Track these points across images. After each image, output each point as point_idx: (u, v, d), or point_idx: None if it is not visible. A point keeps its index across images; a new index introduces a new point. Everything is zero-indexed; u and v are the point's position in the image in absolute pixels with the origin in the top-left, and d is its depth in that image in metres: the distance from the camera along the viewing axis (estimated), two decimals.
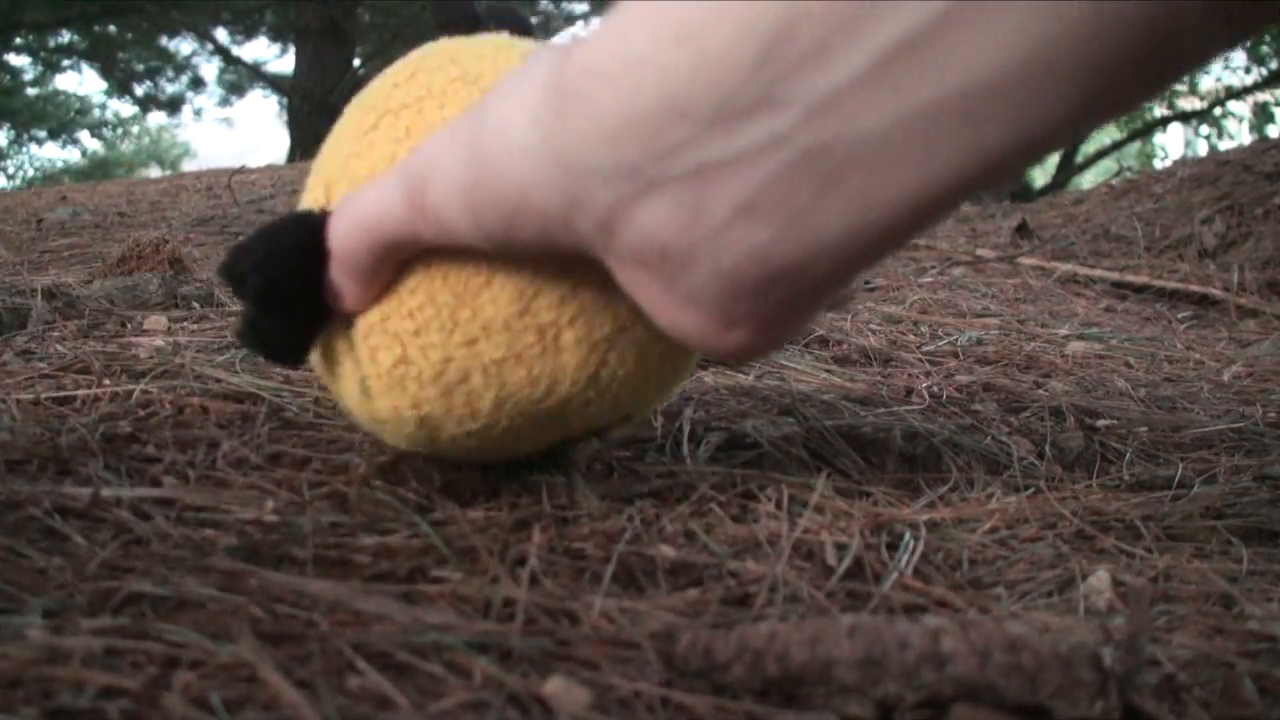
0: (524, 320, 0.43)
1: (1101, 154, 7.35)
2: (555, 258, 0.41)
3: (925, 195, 0.30)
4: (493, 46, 0.48)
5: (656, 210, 0.33)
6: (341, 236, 0.42)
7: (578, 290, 0.43)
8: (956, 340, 1.05)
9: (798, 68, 0.29)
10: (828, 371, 0.82)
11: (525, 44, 0.49)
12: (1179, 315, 1.57)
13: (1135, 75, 0.29)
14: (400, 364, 0.45)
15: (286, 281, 0.43)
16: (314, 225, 0.43)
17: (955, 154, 0.29)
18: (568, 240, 0.36)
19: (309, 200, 0.48)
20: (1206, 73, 6.45)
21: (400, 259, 0.43)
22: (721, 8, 0.30)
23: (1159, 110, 6.82)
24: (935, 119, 0.29)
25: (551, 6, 7.22)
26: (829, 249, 0.32)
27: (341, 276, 0.43)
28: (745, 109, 0.30)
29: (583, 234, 0.35)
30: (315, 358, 0.50)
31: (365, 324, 0.45)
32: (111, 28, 6.24)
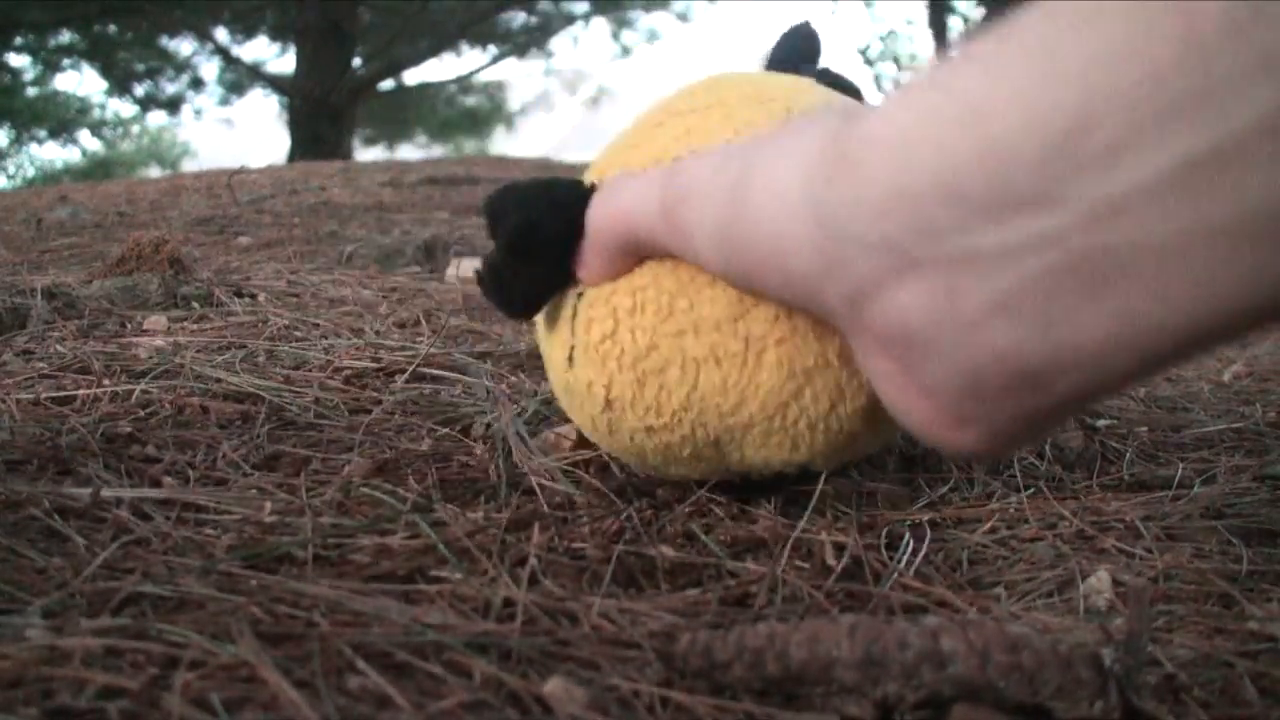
0: (735, 326, 0.44)
1: None
2: None
3: (1197, 319, 0.28)
4: (793, 80, 0.50)
5: (911, 291, 0.32)
6: (598, 214, 0.44)
7: (794, 314, 0.44)
8: None
9: (1085, 166, 0.28)
10: None
11: (828, 92, 0.50)
12: None
13: None
14: (608, 339, 0.46)
15: (540, 228, 0.45)
16: (580, 193, 0.45)
17: (1240, 280, 0.27)
18: (811, 303, 0.36)
19: (586, 177, 0.49)
20: None
21: (642, 254, 0.44)
22: (1016, 94, 0.28)
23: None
24: (1225, 239, 0.27)
25: (551, 6, 7.21)
26: (1082, 362, 0.30)
27: (589, 248, 0.45)
28: (1022, 202, 0.29)
29: (829, 301, 0.35)
30: (539, 317, 0.51)
31: (591, 295, 0.47)
32: (111, 28, 6.24)
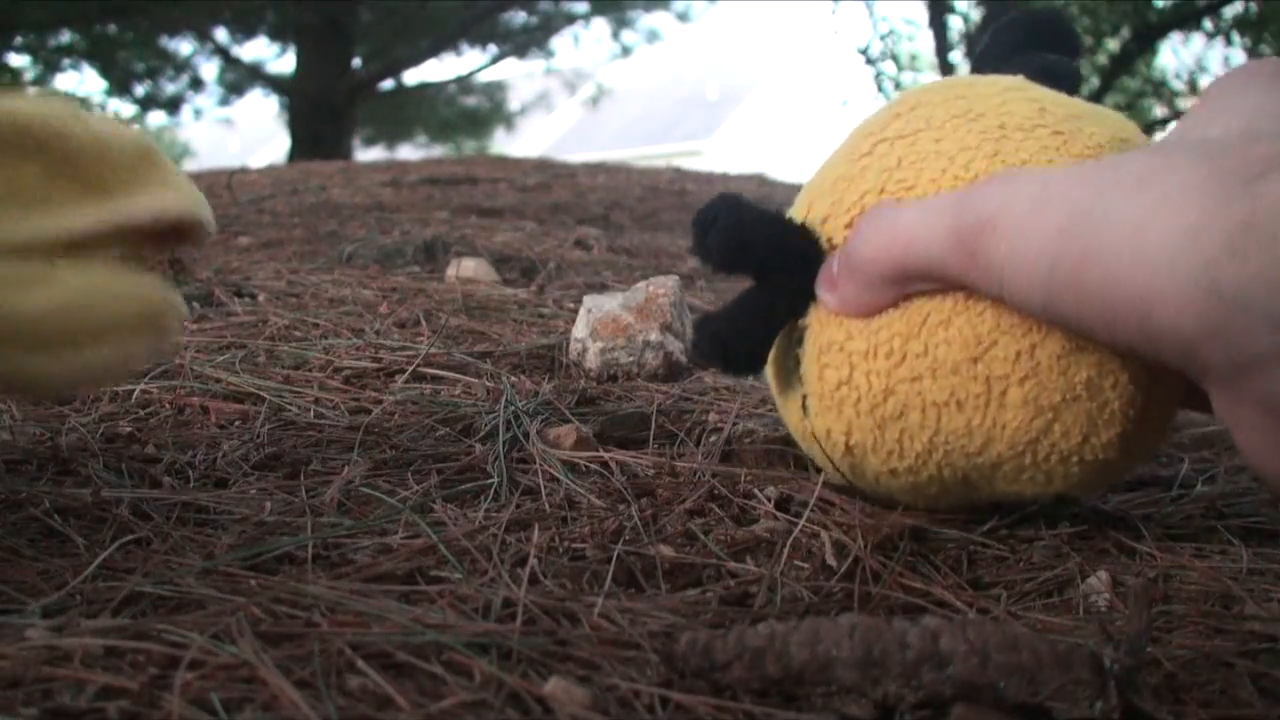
0: (975, 368, 0.43)
1: None
2: (1020, 314, 0.41)
3: None
4: (1003, 87, 0.48)
5: None
6: (867, 241, 0.43)
7: (1036, 350, 0.43)
8: None
9: None
10: None
11: (1039, 90, 0.48)
12: None
13: None
14: (844, 385, 0.46)
15: (749, 242, 0.45)
16: (786, 224, 0.47)
17: None
18: (1173, 357, 0.36)
19: (794, 212, 0.49)
20: (1206, 72, 6.45)
21: (915, 283, 0.43)
22: None
23: (1158, 110, 6.83)
24: None
25: (551, 6, 7.21)
26: None
27: (849, 276, 0.44)
28: None
29: (1207, 360, 0.34)
30: (769, 371, 0.51)
31: (823, 341, 0.46)
32: (111, 28, 6.24)
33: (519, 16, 7.18)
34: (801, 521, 0.49)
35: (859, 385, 0.45)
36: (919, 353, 0.44)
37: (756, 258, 0.46)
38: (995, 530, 0.52)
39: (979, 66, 0.53)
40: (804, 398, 0.48)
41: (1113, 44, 6.17)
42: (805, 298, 0.47)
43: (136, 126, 0.49)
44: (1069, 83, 0.51)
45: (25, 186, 0.44)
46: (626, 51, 7.84)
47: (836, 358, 0.46)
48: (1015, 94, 0.47)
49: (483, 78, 7.75)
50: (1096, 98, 6.33)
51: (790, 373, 0.49)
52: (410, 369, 0.73)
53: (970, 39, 6.36)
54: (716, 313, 0.49)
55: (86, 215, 0.45)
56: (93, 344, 0.44)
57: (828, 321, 0.46)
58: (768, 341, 0.49)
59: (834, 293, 0.45)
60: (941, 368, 0.43)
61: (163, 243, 0.49)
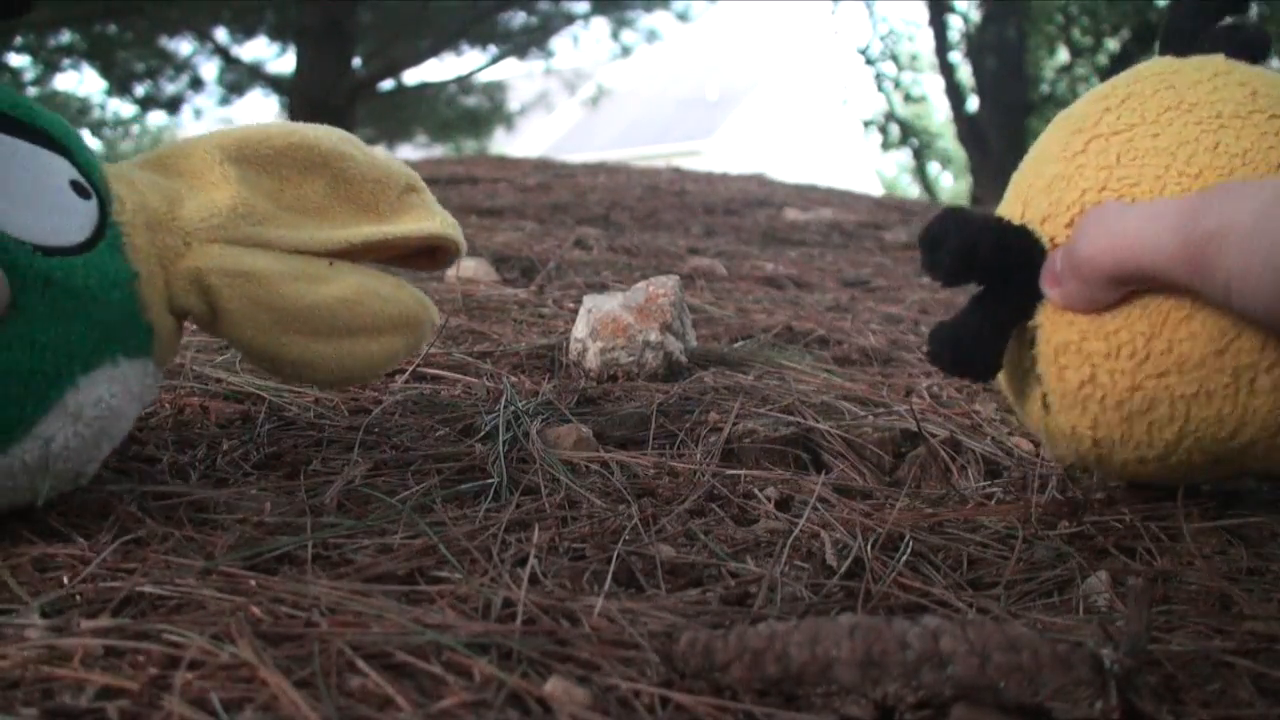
0: (1220, 360, 0.44)
1: None
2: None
3: None
4: (1210, 72, 0.48)
5: None
6: (1091, 241, 0.44)
7: None
8: None
9: None
10: (828, 371, 0.82)
11: (1245, 71, 0.49)
12: None
13: None
14: (1087, 385, 0.47)
15: (980, 248, 0.46)
16: (1010, 230, 0.47)
17: None
18: None
19: (1006, 210, 0.50)
20: None
21: (1137, 286, 0.44)
22: None
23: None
24: None
25: (551, 6, 7.21)
26: None
27: (1072, 274, 0.45)
28: None
29: None
30: (1002, 377, 0.52)
31: (1057, 342, 0.47)
32: (111, 28, 6.24)
33: (519, 16, 7.17)
34: (801, 521, 0.49)
35: (1103, 384, 0.46)
36: (1163, 350, 0.44)
37: (985, 267, 0.47)
38: (995, 530, 0.52)
39: (1169, 44, 0.53)
40: (1044, 396, 0.49)
41: (1113, 44, 6.17)
42: (1032, 299, 0.48)
43: (402, 161, 0.56)
44: (1263, 49, 0.51)
45: (309, 199, 0.52)
46: (626, 51, 7.83)
47: (1075, 359, 0.47)
48: (1224, 79, 0.48)
49: (483, 78, 7.74)
50: None
51: (1027, 373, 0.50)
52: (410, 369, 0.73)
53: (970, 38, 6.36)
54: (950, 321, 0.50)
55: (360, 229, 0.53)
56: (365, 337, 0.52)
57: (1058, 322, 0.47)
58: (1002, 346, 0.50)
59: (1058, 289, 0.46)
60: (1187, 362, 0.44)
61: (418, 261, 0.56)
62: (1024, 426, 0.55)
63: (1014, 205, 0.50)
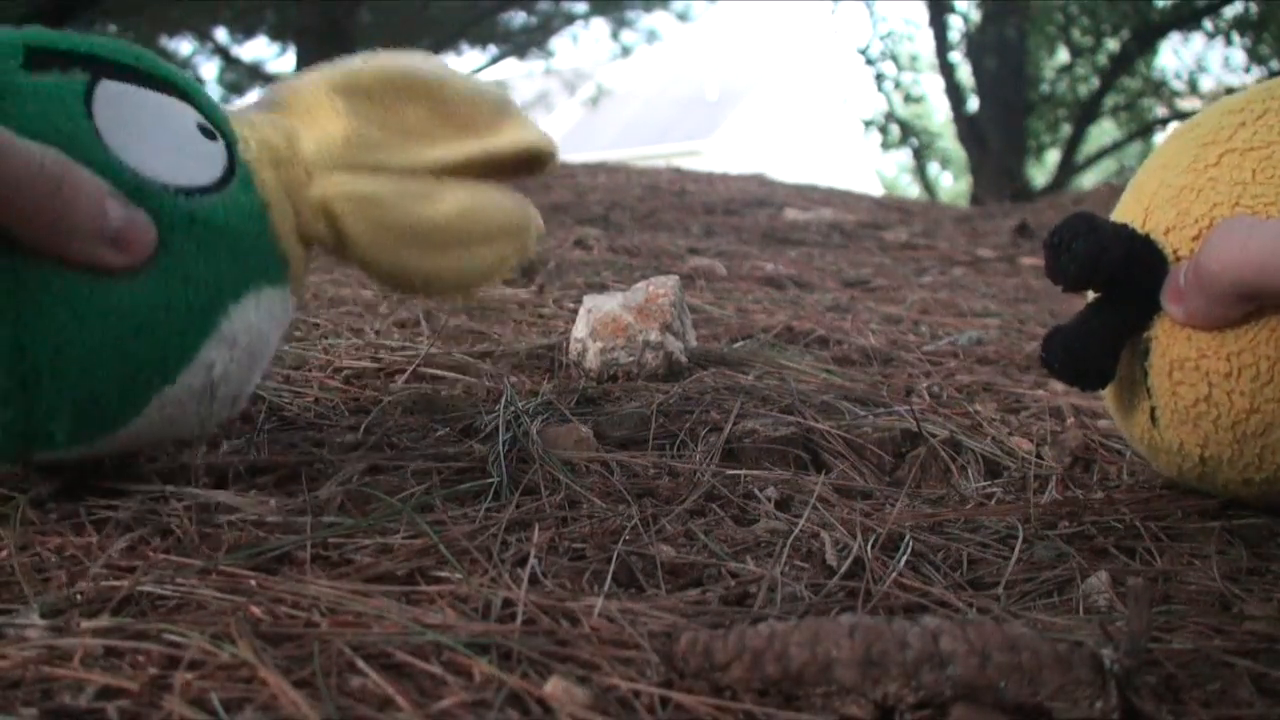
0: None
1: (1102, 154, 7.35)
2: None
3: None
4: None
5: None
6: (1218, 257, 0.44)
7: None
8: (956, 340, 1.05)
9: None
10: (828, 371, 0.82)
11: None
12: None
13: None
14: (1201, 403, 0.47)
15: (1107, 253, 0.46)
16: (1135, 239, 0.47)
17: None
18: None
19: (1125, 214, 0.50)
20: (1206, 72, 6.45)
21: (1264, 302, 0.44)
22: None
23: (1159, 110, 6.82)
24: None
25: (551, 6, 7.20)
26: None
27: (1198, 289, 0.45)
28: None
29: None
30: (1108, 389, 0.52)
31: (1173, 357, 0.47)
32: (111, 28, 6.24)
33: (519, 16, 7.17)
34: (801, 521, 0.49)
35: (1219, 403, 0.46)
36: None
37: (1110, 276, 0.47)
38: (995, 530, 0.52)
39: None
40: (1152, 410, 0.49)
41: (1113, 44, 6.17)
42: (1151, 310, 0.48)
43: (493, 84, 0.60)
44: None
45: (412, 124, 0.55)
46: (626, 51, 7.83)
47: (1192, 375, 0.46)
48: None
49: (482, 78, 7.74)
50: (1097, 98, 6.34)
51: (1135, 385, 0.50)
52: (410, 369, 0.73)
53: (970, 38, 6.36)
54: (1065, 327, 0.50)
55: (464, 146, 0.55)
56: (479, 245, 0.55)
57: (1175, 336, 0.47)
58: (1116, 354, 0.49)
59: (1181, 305, 0.46)
60: None
61: (518, 171, 0.59)
62: (1129, 442, 0.55)
63: (1134, 212, 0.50)
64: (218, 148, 0.48)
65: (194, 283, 0.45)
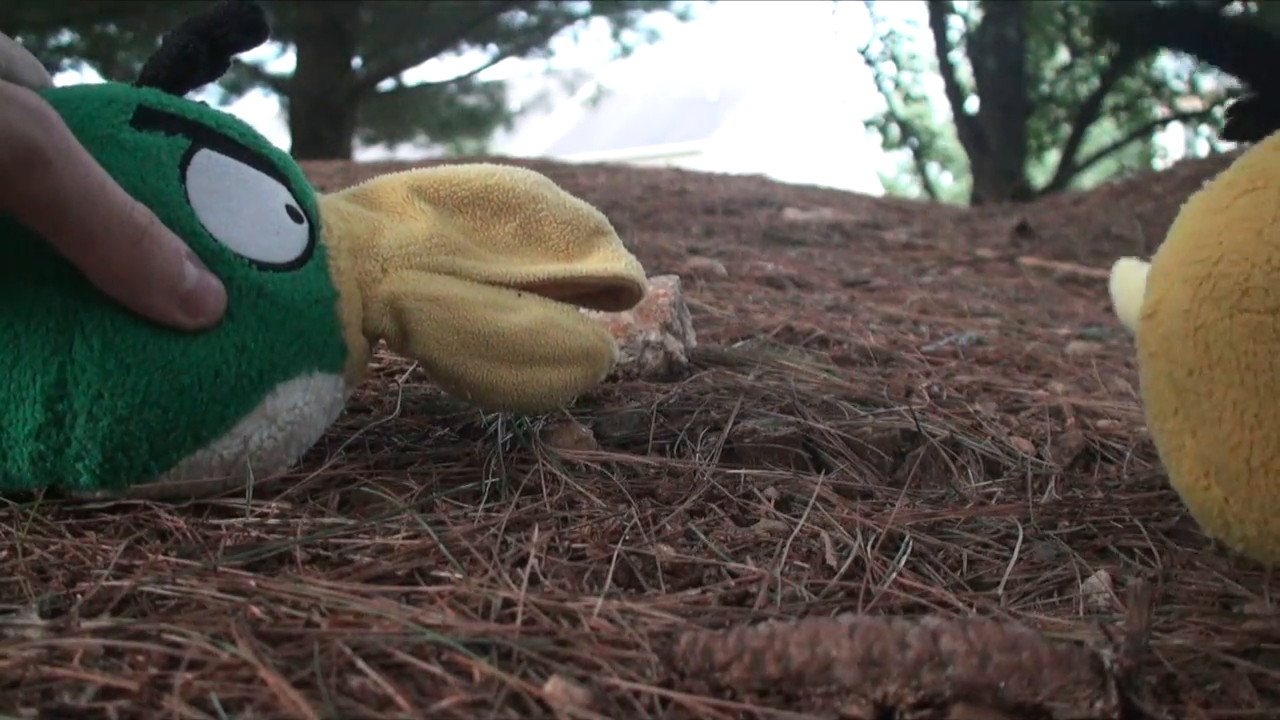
0: None
1: (1102, 154, 7.35)
2: None
3: None
4: None
5: None
6: None
7: None
8: (956, 340, 1.05)
9: None
10: (828, 371, 0.82)
11: None
12: None
13: None
14: None
15: None
16: None
17: None
18: None
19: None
20: (1207, 72, 6.45)
21: None
22: None
23: (1159, 110, 6.82)
24: None
25: (551, 6, 7.21)
26: None
27: None
28: None
29: None
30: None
31: None
32: (111, 28, 6.24)
33: (519, 16, 7.17)
34: (801, 521, 0.49)
35: None
36: None
37: None
38: (995, 530, 0.52)
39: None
40: None
41: (1113, 44, 6.17)
42: None
43: (591, 208, 0.59)
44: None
45: (501, 239, 0.56)
46: (626, 51, 7.83)
47: None
48: None
49: (483, 78, 7.74)
50: (1097, 97, 6.34)
51: None
52: (410, 369, 0.73)
53: (970, 38, 6.37)
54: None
55: (548, 265, 0.55)
56: (546, 366, 0.54)
57: None
58: None
59: None
60: None
61: (602, 299, 0.59)
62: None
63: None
64: (301, 229, 0.49)
65: (247, 354, 0.46)
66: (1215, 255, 0.45)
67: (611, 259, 0.56)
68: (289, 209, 0.49)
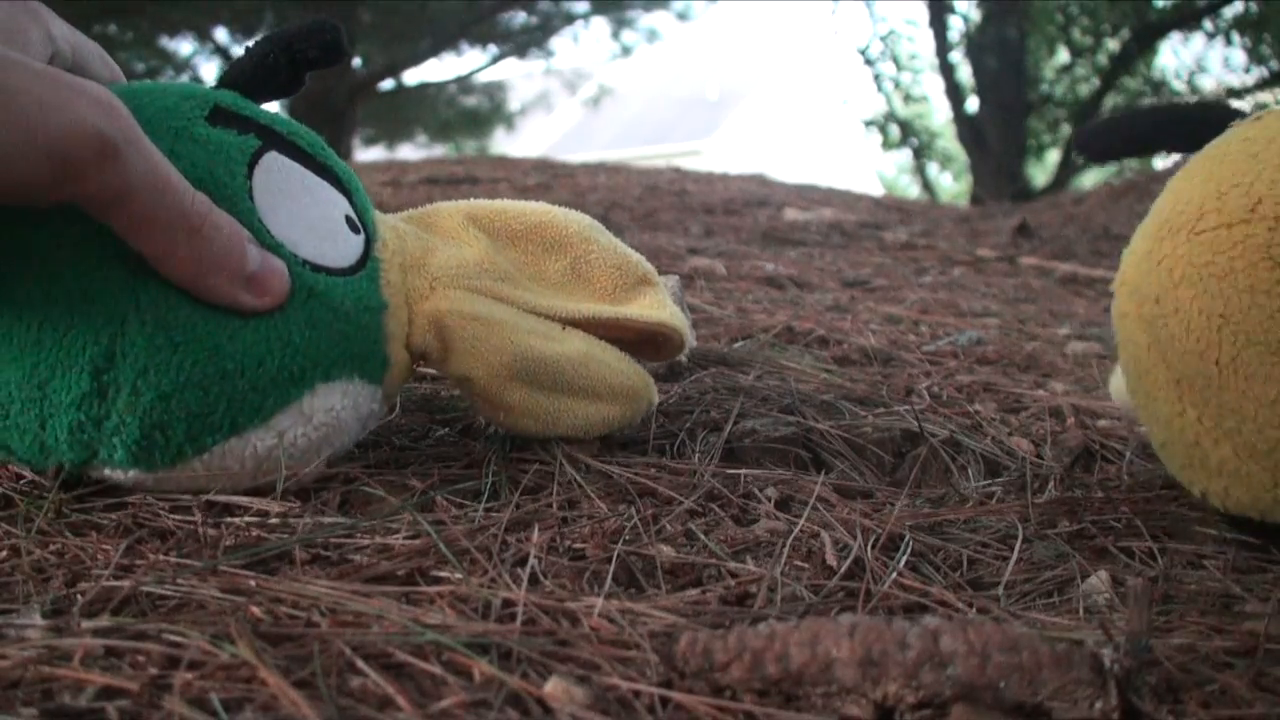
0: None
1: None
2: None
3: None
4: None
5: None
6: None
7: None
8: (956, 340, 1.05)
9: None
10: (828, 371, 0.82)
11: None
12: None
13: None
14: None
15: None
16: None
17: None
18: None
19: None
20: (1206, 72, 6.45)
21: None
22: None
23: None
24: None
25: (551, 6, 7.20)
26: None
27: None
28: None
29: None
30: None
31: None
32: (111, 28, 6.24)
33: (519, 16, 7.17)
34: (801, 521, 0.49)
35: None
36: None
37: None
38: (995, 530, 0.52)
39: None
40: None
41: (1113, 44, 6.18)
42: None
43: (640, 257, 0.60)
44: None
45: (549, 275, 0.57)
46: (626, 51, 7.83)
47: None
48: None
49: (483, 78, 7.73)
50: (1097, 98, 6.34)
51: None
52: None
53: (970, 38, 6.37)
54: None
55: (594, 305, 0.56)
56: (584, 399, 0.55)
57: None
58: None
59: None
60: None
61: (643, 346, 0.59)
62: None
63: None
64: (357, 240, 0.51)
65: (292, 349, 0.47)
66: (1169, 207, 0.50)
67: (656, 307, 0.57)
68: (348, 219, 0.51)
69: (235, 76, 0.52)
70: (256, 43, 0.52)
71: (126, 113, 0.41)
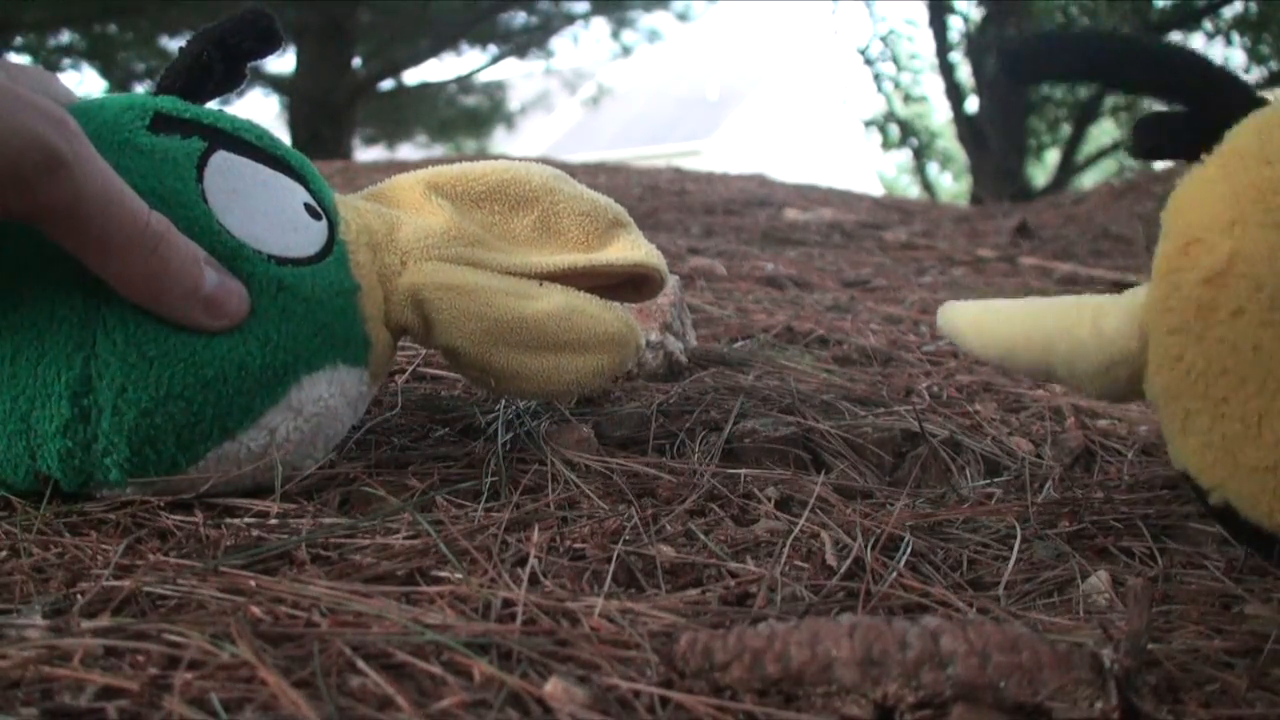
0: None
1: (1102, 154, 7.35)
2: None
3: None
4: None
5: None
6: None
7: None
8: None
9: None
10: (828, 371, 0.82)
11: None
12: None
13: None
14: None
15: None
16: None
17: None
18: None
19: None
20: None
21: None
22: None
23: (1160, 110, 6.81)
24: None
25: (551, 6, 7.20)
26: None
27: None
28: None
29: None
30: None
31: None
32: (111, 28, 6.23)
33: (519, 16, 7.16)
34: (801, 521, 0.49)
35: None
36: None
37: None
38: (995, 530, 0.52)
39: None
40: None
41: None
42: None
43: (609, 200, 0.59)
44: None
45: (519, 233, 0.56)
46: (626, 51, 7.82)
47: None
48: None
49: (483, 78, 7.73)
50: (1097, 98, 6.34)
51: None
52: (410, 369, 0.73)
53: (970, 38, 6.37)
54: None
55: (568, 256, 0.56)
56: (571, 352, 0.54)
57: None
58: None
59: None
60: None
61: (623, 291, 0.59)
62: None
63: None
64: (320, 226, 0.50)
65: (271, 347, 0.46)
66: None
67: (631, 248, 0.57)
68: (307, 207, 0.50)
69: (172, 80, 0.51)
70: (189, 42, 0.51)
71: (78, 129, 0.40)
